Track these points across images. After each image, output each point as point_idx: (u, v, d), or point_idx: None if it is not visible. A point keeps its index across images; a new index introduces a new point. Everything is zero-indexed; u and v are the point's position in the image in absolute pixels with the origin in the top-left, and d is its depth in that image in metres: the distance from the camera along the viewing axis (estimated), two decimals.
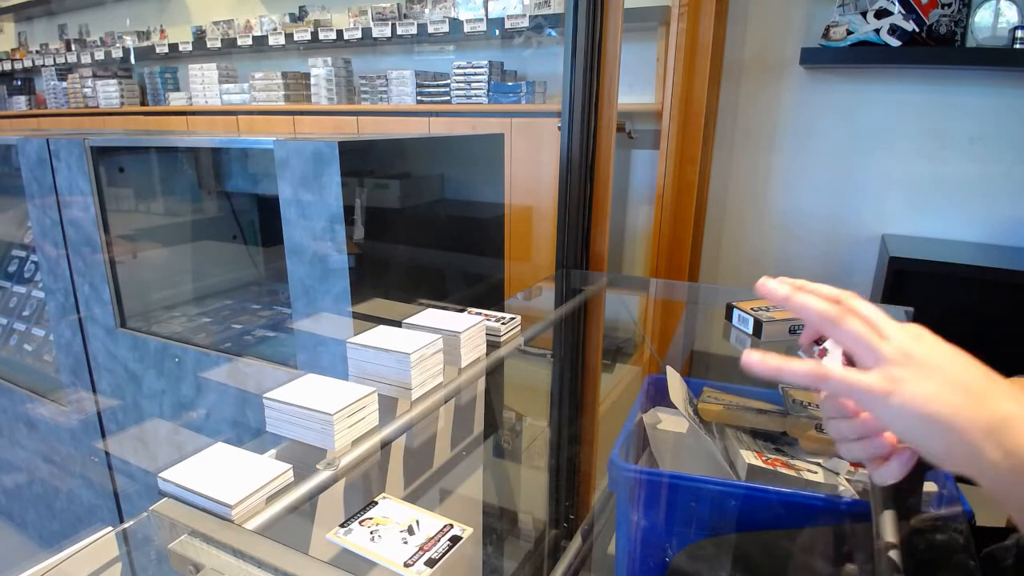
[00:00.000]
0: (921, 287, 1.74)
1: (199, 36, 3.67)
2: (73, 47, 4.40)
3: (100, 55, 4.18)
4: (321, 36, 3.16)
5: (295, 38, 3.25)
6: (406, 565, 0.56)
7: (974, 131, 2.00)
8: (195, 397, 1.49)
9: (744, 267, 2.45)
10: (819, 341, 0.56)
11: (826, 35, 2.02)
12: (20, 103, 4.75)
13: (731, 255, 2.48)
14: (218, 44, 3.55)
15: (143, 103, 4.07)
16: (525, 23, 2.57)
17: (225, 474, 0.64)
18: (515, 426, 1.35)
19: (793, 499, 0.67)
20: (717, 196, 2.44)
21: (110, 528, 0.60)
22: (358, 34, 3.03)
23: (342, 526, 0.61)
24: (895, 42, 1.91)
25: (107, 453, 1.73)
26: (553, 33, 2.61)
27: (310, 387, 0.79)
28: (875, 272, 2.13)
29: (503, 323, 1.10)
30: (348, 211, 1.12)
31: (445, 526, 0.61)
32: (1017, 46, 1.79)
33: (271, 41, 3.36)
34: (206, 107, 3.56)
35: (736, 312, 1.20)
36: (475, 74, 2.65)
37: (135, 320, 1.61)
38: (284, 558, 0.54)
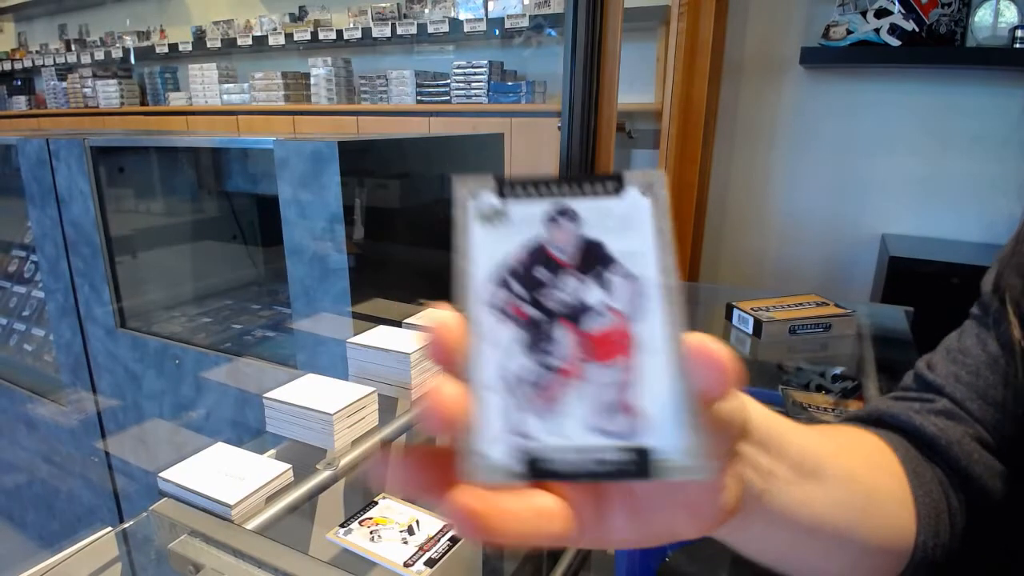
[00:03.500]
0: (921, 287, 1.74)
1: (199, 36, 3.67)
2: (73, 47, 4.40)
3: (100, 55, 4.18)
4: (321, 36, 3.16)
5: (295, 38, 3.25)
6: (406, 565, 0.56)
7: (974, 131, 2.00)
8: (195, 397, 1.49)
9: (744, 267, 2.45)
10: None
11: (826, 35, 2.01)
12: (20, 103, 4.75)
13: (731, 255, 2.48)
14: (218, 44, 3.55)
15: (143, 103, 4.07)
16: (525, 23, 2.57)
17: (225, 474, 0.64)
18: None
19: None
20: (717, 196, 2.44)
21: (110, 528, 0.60)
22: (358, 34, 3.03)
23: (342, 526, 0.61)
24: (895, 42, 1.91)
25: (107, 453, 1.73)
26: (553, 33, 2.61)
27: (310, 387, 0.79)
28: (875, 272, 2.13)
29: None
30: (348, 211, 1.12)
31: (445, 526, 0.61)
32: (1017, 46, 1.79)
33: (271, 41, 3.36)
34: (206, 107, 3.56)
35: (736, 312, 1.20)
36: (475, 74, 2.65)
37: (135, 320, 1.61)
38: (284, 558, 0.54)
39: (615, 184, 0.23)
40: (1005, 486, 0.41)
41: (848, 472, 0.34)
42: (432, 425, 0.21)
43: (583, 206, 0.23)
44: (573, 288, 0.23)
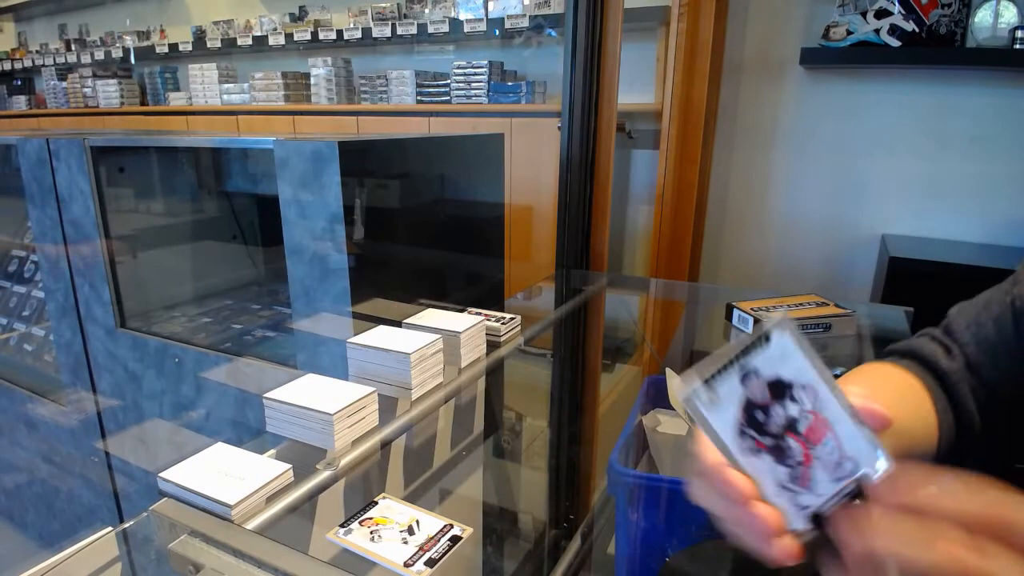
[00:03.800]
0: (921, 287, 1.74)
1: (199, 36, 3.67)
2: (73, 47, 4.40)
3: (100, 55, 4.18)
4: (321, 36, 3.16)
5: (295, 38, 3.25)
6: (406, 565, 0.56)
7: (974, 131, 2.00)
8: (195, 397, 1.49)
9: (744, 267, 2.45)
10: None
11: (826, 35, 2.02)
12: (20, 103, 4.75)
13: (731, 255, 2.48)
14: (218, 44, 3.55)
15: (143, 103, 4.07)
16: (525, 23, 2.57)
17: (225, 474, 0.64)
18: (515, 426, 1.35)
19: None
20: (717, 196, 2.44)
21: (110, 528, 0.60)
22: (358, 34, 3.03)
23: (342, 526, 0.61)
24: (895, 42, 1.91)
25: (107, 453, 1.73)
26: (553, 33, 2.61)
27: (310, 387, 0.79)
28: (875, 272, 2.13)
29: (503, 323, 1.10)
30: (348, 211, 1.12)
31: (445, 526, 0.61)
32: (1017, 46, 1.79)
33: (271, 41, 3.36)
34: (206, 107, 3.56)
35: (736, 312, 1.20)
36: (475, 74, 2.65)
37: (135, 320, 1.61)
38: (284, 558, 0.54)
39: (766, 337, 0.36)
40: (985, 419, 0.55)
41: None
42: (765, 535, 0.37)
43: (756, 361, 0.36)
44: (780, 413, 0.37)
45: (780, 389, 0.36)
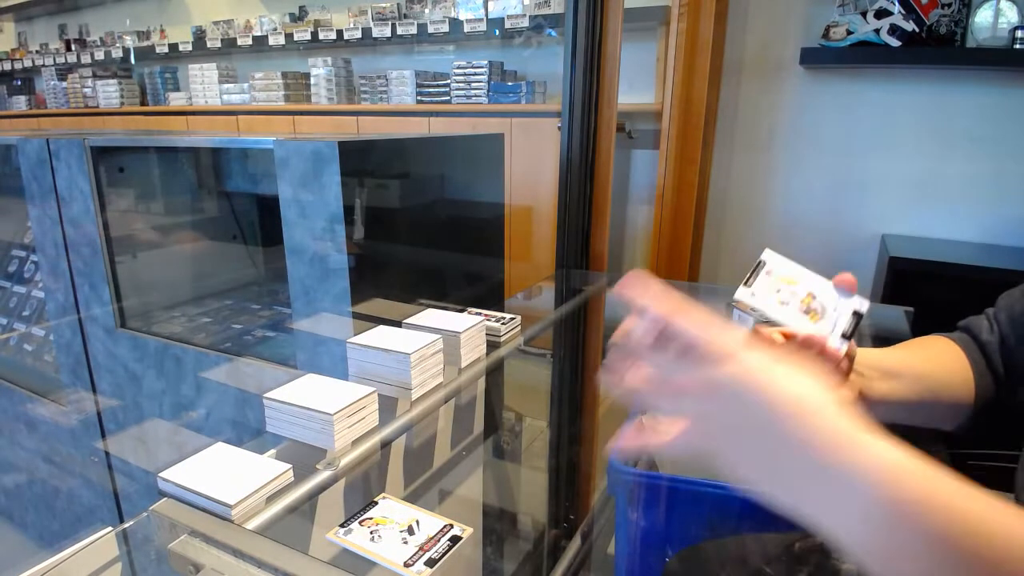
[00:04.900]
0: (921, 287, 1.74)
1: (199, 36, 3.67)
2: (73, 47, 4.40)
3: (100, 55, 4.18)
4: (321, 36, 3.16)
5: (295, 38, 3.25)
6: (406, 565, 0.56)
7: (974, 131, 2.00)
8: (195, 397, 1.49)
9: (744, 267, 2.44)
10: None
11: (826, 35, 2.02)
12: (20, 103, 4.74)
13: (731, 255, 2.48)
14: (218, 44, 3.55)
15: (143, 103, 4.07)
16: (525, 23, 2.57)
17: (225, 474, 0.64)
18: (515, 426, 1.35)
19: None
20: (717, 196, 2.44)
21: (110, 528, 0.60)
22: (358, 34, 3.03)
23: (342, 526, 0.61)
24: (895, 42, 1.91)
25: (107, 453, 1.73)
26: (553, 33, 2.61)
27: (310, 387, 0.79)
28: (875, 272, 2.13)
29: (503, 323, 1.10)
30: (348, 211, 1.12)
31: (445, 526, 0.61)
32: (1017, 46, 1.79)
33: (271, 41, 3.36)
34: (206, 107, 3.56)
35: (736, 312, 1.20)
36: (475, 74, 2.65)
37: (135, 320, 1.61)
38: (284, 558, 0.54)
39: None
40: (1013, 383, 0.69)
41: (919, 372, 0.63)
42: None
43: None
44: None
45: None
